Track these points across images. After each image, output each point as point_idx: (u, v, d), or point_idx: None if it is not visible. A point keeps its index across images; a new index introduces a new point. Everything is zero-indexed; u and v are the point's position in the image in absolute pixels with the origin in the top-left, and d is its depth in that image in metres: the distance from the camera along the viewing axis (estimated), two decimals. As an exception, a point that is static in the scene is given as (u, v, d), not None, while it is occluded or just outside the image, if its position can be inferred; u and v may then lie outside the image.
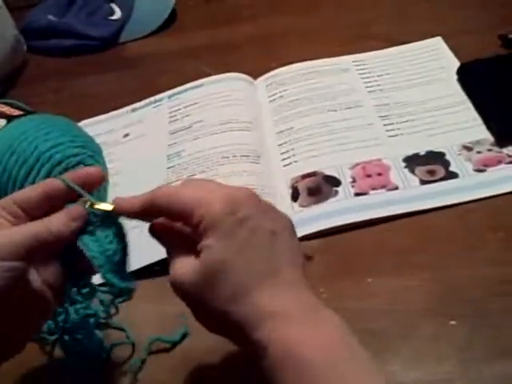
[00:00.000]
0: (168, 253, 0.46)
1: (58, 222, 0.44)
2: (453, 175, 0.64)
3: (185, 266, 0.43)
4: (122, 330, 0.55)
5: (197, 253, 0.42)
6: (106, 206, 0.46)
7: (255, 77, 0.83)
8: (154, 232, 0.46)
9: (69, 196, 0.46)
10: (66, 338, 0.52)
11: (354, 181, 0.65)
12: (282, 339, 0.39)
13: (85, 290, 0.51)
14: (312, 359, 0.38)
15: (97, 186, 0.48)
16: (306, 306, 0.41)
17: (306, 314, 0.40)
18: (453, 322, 0.51)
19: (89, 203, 0.45)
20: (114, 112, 0.83)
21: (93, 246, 0.45)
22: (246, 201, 0.43)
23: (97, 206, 0.45)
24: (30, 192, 0.46)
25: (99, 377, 0.53)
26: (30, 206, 0.45)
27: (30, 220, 0.45)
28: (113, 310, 0.54)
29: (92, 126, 0.80)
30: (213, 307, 0.41)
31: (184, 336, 0.54)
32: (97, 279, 0.47)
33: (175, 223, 0.45)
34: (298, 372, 0.38)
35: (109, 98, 0.87)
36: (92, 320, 0.54)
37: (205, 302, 0.42)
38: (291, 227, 0.45)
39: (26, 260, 0.43)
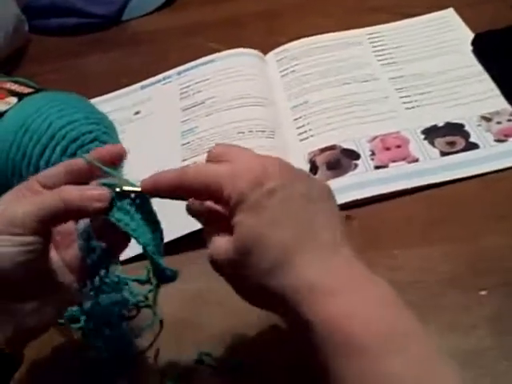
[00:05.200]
0: (206, 230, 0.45)
1: (71, 192, 0.42)
2: (473, 146, 0.63)
3: (221, 244, 0.42)
4: (148, 307, 0.55)
5: (231, 230, 0.41)
6: (134, 187, 0.45)
7: (264, 52, 0.82)
8: (192, 210, 0.46)
9: (92, 174, 0.45)
10: (91, 326, 0.51)
11: (373, 154, 0.64)
12: (328, 313, 0.37)
13: (109, 279, 0.51)
14: (362, 335, 0.36)
15: (118, 162, 0.47)
16: (348, 272, 0.39)
17: (351, 282, 0.39)
18: (483, 292, 0.51)
19: (117, 184, 0.44)
20: (122, 90, 0.82)
21: (135, 227, 0.44)
22: (272, 172, 0.41)
23: (125, 188, 0.44)
24: (52, 170, 0.45)
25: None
26: (51, 183, 0.44)
27: None
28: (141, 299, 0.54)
29: (100, 105, 0.78)
30: (252, 282, 0.40)
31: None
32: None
33: (208, 202, 0.44)
34: (348, 349, 0.36)
35: (114, 76, 0.86)
36: (117, 309, 0.53)
37: (243, 278, 0.41)
38: (328, 191, 0.44)
39: (43, 234, 0.42)
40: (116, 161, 0.47)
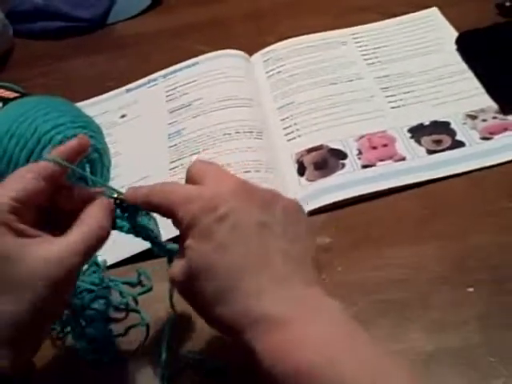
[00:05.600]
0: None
1: (103, 218, 0.43)
2: (459, 144, 0.63)
3: (178, 265, 0.42)
4: (135, 311, 0.54)
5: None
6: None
7: (250, 53, 0.82)
8: None
9: (64, 171, 0.45)
10: (78, 328, 0.51)
11: (360, 153, 0.64)
12: (275, 343, 0.37)
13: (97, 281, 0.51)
14: (311, 360, 0.36)
15: (83, 153, 0.47)
16: (299, 302, 0.38)
17: (299, 312, 0.38)
18: (471, 289, 0.51)
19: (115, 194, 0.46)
20: (108, 93, 0.81)
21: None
22: (228, 196, 0.41)
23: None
24: (22, 184, 0.43)
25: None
26: (31, 198, 0.42)
27: (35, 211, 0.43)
28: (131, 302, 0.54)
29: (86, 108, 0.77)
30: (202, 307, 0.41)
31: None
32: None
33: None
34: (298, 376, 0.36)
35: (100, 79, 0.85)
36: (102, 308, 0.53)
37: (195, 302, 0.42)
38: (295, 212, 0.43)
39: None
40: (80, 153, 0.47)
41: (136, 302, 0.55)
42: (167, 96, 0.77)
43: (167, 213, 0.43)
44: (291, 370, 0.36)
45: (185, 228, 0.41)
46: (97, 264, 0.57)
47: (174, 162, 0.68)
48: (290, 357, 0.36)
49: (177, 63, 0.82)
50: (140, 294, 0.56)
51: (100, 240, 0.42)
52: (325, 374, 0.35)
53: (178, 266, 0.42)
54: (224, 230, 0.40)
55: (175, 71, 0.81)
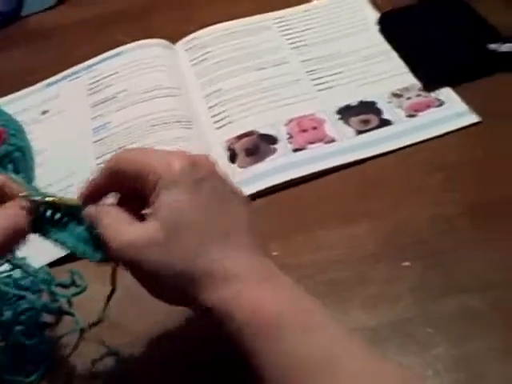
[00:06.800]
0: (105, 225, 0.43)
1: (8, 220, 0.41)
2: (386, 122, 0.64)
3: (135, 230, 0.41)
4: (70, 314, 0.53)
5: (142, 217, 0.42)
6: (72, 201, 0.45)
7: (173, 42, 0.80)
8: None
9: None
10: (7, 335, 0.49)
11: (290, 137, 0.64)
12: (246, 300, 0.38)
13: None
14: (282, 314, 0.38)
15: None
16: (265, 270, 0.41)
17: (266, 278, 0.40)
18: (406, 264, 0.52)
19: (51, 199, 0.44)
20: (28, 89, 0.78)
21: (69, 240, 0.44)
22: (205, 163, 0.43)
23: (63, 201, 0.44)
24: None
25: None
26: None
27: None
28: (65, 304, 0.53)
29: (4, 106, 0.74)
30: (170, 266, 0.40)
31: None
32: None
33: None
34: (268, 330, 0.37)
35: (19, 74, 0.82)
36: (31, 314, 0.51)
37: (161, 262, 0.40)
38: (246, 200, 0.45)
39: None
40: None
41: (70, 304, 0.54)
42: (90, 89, 0.75)
43: (138, 175, 0.42)
44: (264, 323, 0.37)
45: (166, 183, 0.41)
46: (24, 266, 0.54)
47: (100, 157, 0.66)
48: (261, 310, 0.38)
49: (99, 55, 0.80)
50: (74, 295, 0.54)
51: (5, 242, 0.41)
52: (293, 325, 0.37)
53: (139, 229, 0.41)
54: (206, 190, 0.41)
55: (97, 63, 0.78)
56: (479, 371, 0.45)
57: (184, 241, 0.40)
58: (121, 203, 0.45)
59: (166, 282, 0.41)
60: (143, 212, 0.42)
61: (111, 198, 0.46)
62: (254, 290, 0.39)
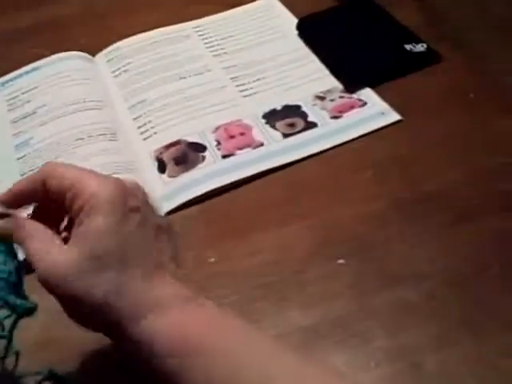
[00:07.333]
0: (32, 249, 0.42)
1: None
2: (312, 125, 0.65)
3: (60, 255, 0.40)
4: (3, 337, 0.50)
5: (67, 240, 0.41)
6: None
7: (92, 53, 0.79)
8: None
9: None
10: None
11: (219, 144, 0.65)
12: (170, 329, 0.39)
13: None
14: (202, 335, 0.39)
15: None
16: (185, 296, 0.41)
17: (186, 303, 0.40)
18: (341, 261, 0.53)
19: None
20: None
21: None
22: (137, 194, 0.42)
23: None
24: None
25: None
26: None
27: None
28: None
29: None
30: (93, 297, 0.39)
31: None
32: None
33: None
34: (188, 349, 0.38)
35: None
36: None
37: (84, 291, 0.39)
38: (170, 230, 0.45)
39: None
40: None
41: (3, 328, 0.51)
42: (8, 105, 0.72)
43: (64, 192, 0.41)
44: (190, 350, 0.38)
45: (90, 208, 0.40)
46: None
47: (24, 174, 0.64)
48: (186, 339, 0.38)
49: (15, 70, 0.77)
50: (7, 317, 0.52)
51: None
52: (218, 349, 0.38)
53: (65, 253, 0.40)
54: (134, 221, 0.41)
55: (14, 78, 0.76)
56: (418, 360, 0.46)
57: (108, 273, 0.39)
58: (38, 213, 0.44)
59: (87, 312, 0.40)
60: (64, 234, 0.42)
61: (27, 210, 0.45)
62: (177, 317, 0.39)
